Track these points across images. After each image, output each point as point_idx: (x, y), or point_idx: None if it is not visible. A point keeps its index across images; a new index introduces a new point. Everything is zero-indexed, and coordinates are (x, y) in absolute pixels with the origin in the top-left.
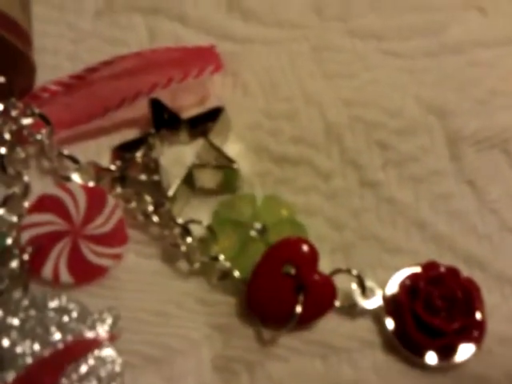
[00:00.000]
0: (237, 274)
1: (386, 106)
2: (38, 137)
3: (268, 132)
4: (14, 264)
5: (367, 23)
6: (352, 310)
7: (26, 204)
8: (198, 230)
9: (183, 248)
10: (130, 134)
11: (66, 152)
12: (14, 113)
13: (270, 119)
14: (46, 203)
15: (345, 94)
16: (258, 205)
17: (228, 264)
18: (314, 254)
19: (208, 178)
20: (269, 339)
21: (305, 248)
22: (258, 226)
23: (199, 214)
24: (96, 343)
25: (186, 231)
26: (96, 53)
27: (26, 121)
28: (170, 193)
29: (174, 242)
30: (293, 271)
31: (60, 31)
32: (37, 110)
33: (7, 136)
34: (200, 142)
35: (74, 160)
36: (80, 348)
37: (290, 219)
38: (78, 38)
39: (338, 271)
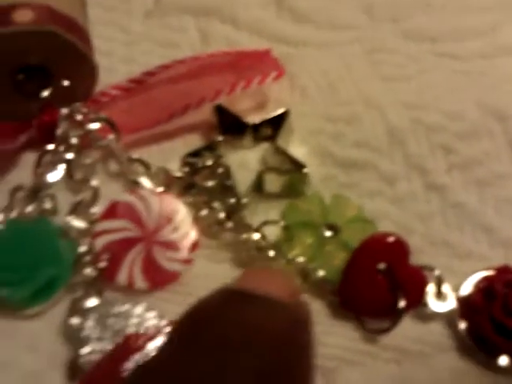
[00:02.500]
0: (321, 273)
1: (447, 109)
2: (104, 142)
3: (330, 136)
4: (88, 271)
5: (420, 25)
6: (424, 311)
7: (95, 210)
8: (270, 234)
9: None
10: (193, 139)
11: (135, 156)
12: (78, 117)
13: (332, 123)
14: (119, 209)
15: (404, 97)
16: (326, 205)
17: (310, 265)
18: (405, 248)
19: (276, 183)
20: (367, 339)
21: (397, 243)
22: (330, 225)
23: (267, 217)
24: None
25: (262, 236)
26: (150, 55)
27: (93, 126)
28: (245, 200)
29: (258, 246)
30: (385, 267)
31: (112, 33)
32: (103, 115)
33: (74, 141)
34: (264, 147)
35: (145, 164)
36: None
37: (360, 217)
38: (130, 40)
39: (421, 268)
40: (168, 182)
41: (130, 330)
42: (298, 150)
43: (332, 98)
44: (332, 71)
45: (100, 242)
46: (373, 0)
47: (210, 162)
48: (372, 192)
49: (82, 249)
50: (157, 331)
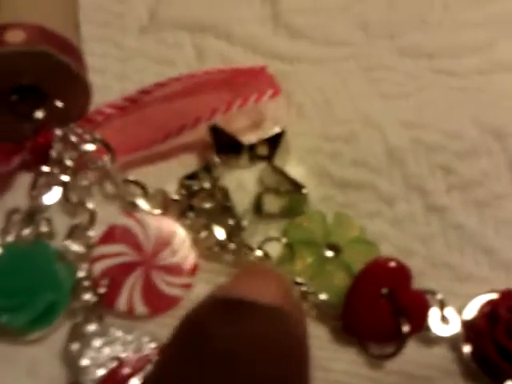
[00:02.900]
0: (323, 296)
1: (445, 129)
2: (99, 163)
3: (328, 155)
4: (88, 297)
5: (416, 41)
6: (428, 336)
7: (92, 233)
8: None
9: None
10: (188, 159)
11: (131, 178)
12: (73, 139)
13: (329, 142)
14: (116, 233)
15: (403, 116)
16: (328, 223)
17: (311, 287)
18: (407, 273)
19: (275, 203)
20: (371, 364)
21: (399, 268)
22: (331, 245)
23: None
24: None
25: (265, 255)
26: (144, 72)
27: (88, 147)
28: (245, 222)
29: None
30: (388, 291)
31: (105, 49)
32: (98, 136)
33: (69, 163)
34: (260, 167)
35: (142, 186)
36: None
37: (362, 239)
38: (124, 56)
39: (423, 292)
40: (165, 205)
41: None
42: (295, 170)
43: (329, 116)
44: (328, 88)
45: (98, 267)
46: (368, 17)
47: (207, 185)
48: (371, 213)
49: (81, 273)
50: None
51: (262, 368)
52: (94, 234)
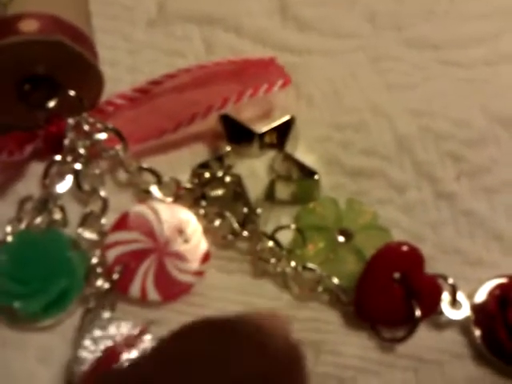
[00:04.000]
0: (336, 281)
1: (454, 117)
2: (112, 152)
3: (338, 144)
4: (100, 283)
5: (423, 32)
6: (439, 319)
7: (105, 221)
8: (283, 239)
9: (273, 261)
10: (199, 148)
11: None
12: (85, 127)
13: (339, 131)
14: (130, 220)
15: (411, 105)
16: (340, 209)
17: (324, 272)
18: (420, 257)
19: (287, 190)
20: (383, 348)
21: (412, 252)
22: (343, 230)
23: (278, 223)
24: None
25: (276, 243)
26: (154, 64)
27: (100, 136)
28: (259, 210)
29: (265, 258)
30: (401, 276)
31: (116, 42)
32: (110, 125)
33: (81, 151)
34: (270, 155)
35: (156, 174)
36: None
37: (374, 224)
38: (134, 48)
39: (435, 276)
40: (178, 193)
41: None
42: (305, 158)
43: (338, 105)
44: (337, 79)
45: (112, 254)
46: (376, 8)
47: (220, 173)
48: (382, 200)
49: (94, 260)
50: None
51: None
52: (106, 221)
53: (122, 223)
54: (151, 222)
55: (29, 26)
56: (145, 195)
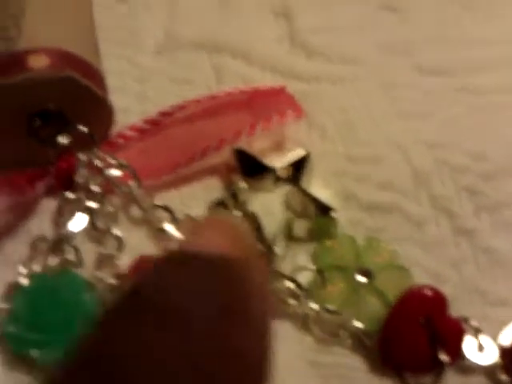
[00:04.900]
0: (359, 324)
1: (469, 149)
2: (125, 188)
3: (354, 178)
4: None
5: (434, 58)
6: (463, 364)
7: (120, 260)
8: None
9: (292, 302)
10: (211, 182)
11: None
12: (97, 163)
13: (354, 164)
14: (146, 266)
15: (425, 136)
16: (359, 248)
17: (346, 315)
18: (444, 301)
19: (304, 227)
20: None
21: (436, 296)
22: (363, 270)
23: (296, 262)
24: None
25: (296, 284)
26: (163, 93)
27: (113, 172)
28: (278, 249)
29: (284, 299)
30: (426, 320)
31: (123, 69)
32: (123, 162)
33: (94, 188)
34: (285, 189)
35: (170, 212)
36: None
37: (395, 264)
38: (143, 76)
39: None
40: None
41: None
42: (320, 193)
43: (352, 137)
44: (349, 108)
45: None
46: (385, 34)
47: (237, 212)
48: (400, 237)
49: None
50: None
51: (206, 324)
52: (122, 261)
53: (138, 268)
54: None
55: (39, 62)
56: (160, 233)
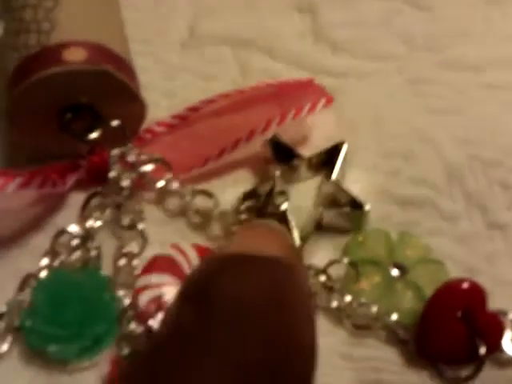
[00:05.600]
0: (394, 317)
1: (501, 144)
2: (159, 183)
3: (386, 172)
4: (133, 326)
5: (459, 54)
6: (501, 357)
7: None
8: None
9: (324, 295)
10: (242, 174)
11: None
12: (130, 159)
13: (386, 159)
14: (161, 264)
15: (456, 132)
16: (392, 242)
17: (381, 308)
18: (482, 294)
19: (335, 218)
20: None
21: (474, 289)
22: (397, 264)
23: (325, 254)
24: None
25: (329, 278)
26: (190, 88)
27: (146, 168)
28: (310, 245)
29: (326, 286)
30: (464, 313)
31: (150, 66)
32: (157, 156)
33: (125, 183)
34: (318, 180)
35: (211, 196)
36: None
37: (429, 257)
38: (169, 72)
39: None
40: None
41: None
42: (352, 187)
43: (382, 132)
44: (377, 104)
45: (144, 297)
46: (410, 29)
47: (271, 209)
48: (433, 231)
49: (126, 303)
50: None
51: (270, 319)
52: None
53: (152, 266)
54: (181, 264)
55: (75, 56)
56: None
